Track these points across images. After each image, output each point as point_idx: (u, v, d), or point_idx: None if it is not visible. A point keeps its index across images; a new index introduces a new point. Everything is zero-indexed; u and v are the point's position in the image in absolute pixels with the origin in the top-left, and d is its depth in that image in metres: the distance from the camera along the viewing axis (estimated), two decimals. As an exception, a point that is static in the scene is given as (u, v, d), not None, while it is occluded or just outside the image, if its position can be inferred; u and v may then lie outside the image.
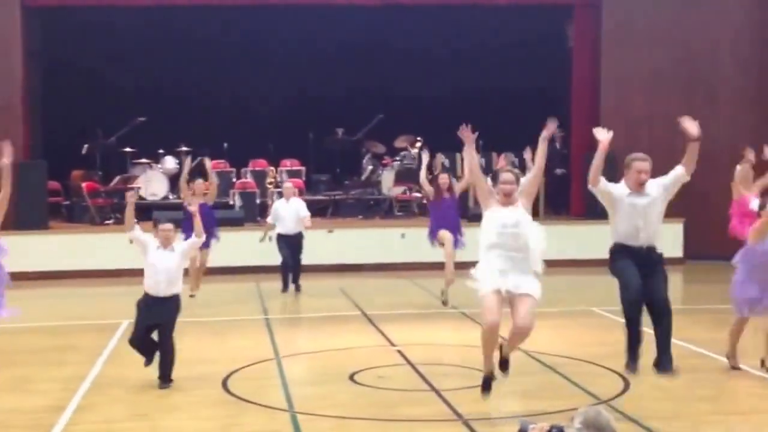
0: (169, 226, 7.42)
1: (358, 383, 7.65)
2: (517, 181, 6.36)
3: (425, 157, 12.13)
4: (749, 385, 7.54)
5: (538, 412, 6.43)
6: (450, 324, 10.37)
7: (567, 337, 9.41)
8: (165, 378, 7.42)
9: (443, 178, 11.46)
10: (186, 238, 11.24)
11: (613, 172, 16.61)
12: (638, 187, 6.41)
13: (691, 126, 6.73)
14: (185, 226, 11.42)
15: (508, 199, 6.29)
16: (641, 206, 6.41)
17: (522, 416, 6.24)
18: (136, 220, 7.56)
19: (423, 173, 11.72)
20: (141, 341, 7.44)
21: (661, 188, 6.56)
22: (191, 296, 11.61)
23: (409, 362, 8.37)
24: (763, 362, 7.70)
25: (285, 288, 12.57)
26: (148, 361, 7.53)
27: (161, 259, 7.32)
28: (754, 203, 9.55)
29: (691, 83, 16.42)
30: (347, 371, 7.95)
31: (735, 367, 7.79)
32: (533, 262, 6.25)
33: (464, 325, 10.08)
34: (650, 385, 7.24)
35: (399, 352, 8.83)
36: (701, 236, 15.30)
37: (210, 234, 11.54)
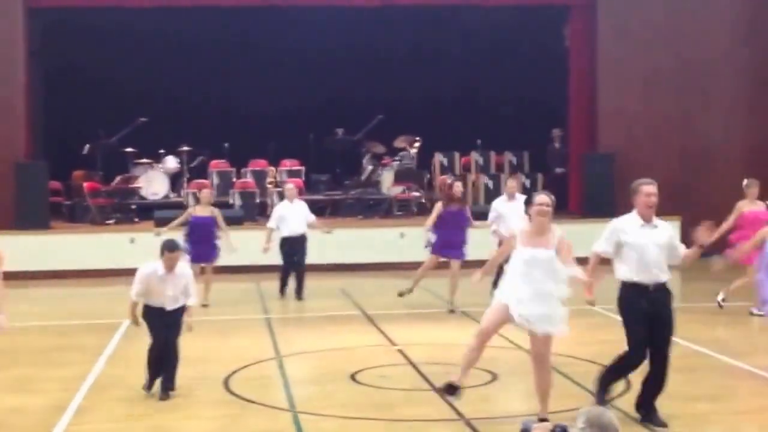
0: (178, 254, 7.22)
1: (360, 383, 7.67)
2: (553, 204, 6.28)
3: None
4: (750, 384, 7.57)
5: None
6: (451, 323, 10.38)
7: (568, 336, 9.36)
8: (166, 387, 7.25)
9: (457, 187, 11.20)
10: (190, 250, 11.21)
11: (610, 174, 16.70)
12: (647, 210, 6.28)
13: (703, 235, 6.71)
14: (191, 238, 11.39)
15: (542, 220, 6.17)
16: (649, 237, 6.26)
17: (524, 416, 6.27)
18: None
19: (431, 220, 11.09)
20: (159, 352, 7.25)
21: (669, 238, 6.35)
22: (204, 306, 11.60)
23: (410, 362, 8.38)
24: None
25: (283, 292, 12.39)
26: (149, 384, 7.30)
27: (165, 284, 7.17)
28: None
29: (687, 83, 16.45)
30: (348, 371, 7.97)
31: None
32: (559, 295, 6.16)
33: (465, 324, 10.07)
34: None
35: (400, 351, 8.85)
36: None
37: (212, 248, 11.50)
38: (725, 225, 10.25)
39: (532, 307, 6.07)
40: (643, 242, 6.24)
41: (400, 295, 11.27)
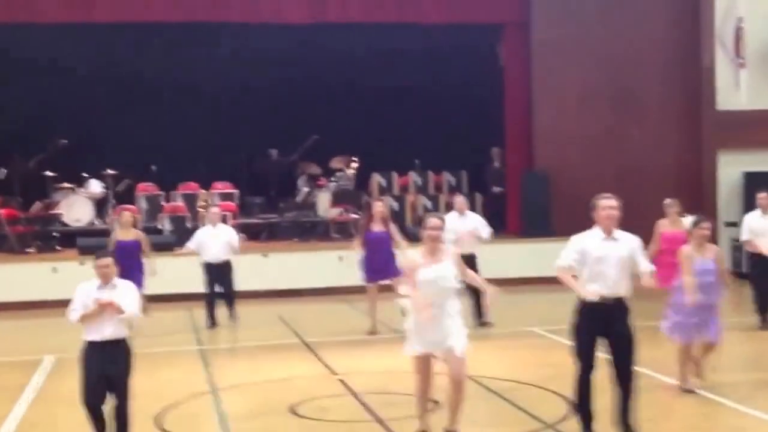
0: (107, 261, 6.64)
1: (300, 416, 7.36)
2: (443, 226, 6.34)
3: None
4: (688, 404, 7.51)
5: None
6: (393, 349, 10.06)
7: (510, 360, 9.26)
8: None
9: (379, 206, 10.73)
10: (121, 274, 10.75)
11: (547, 192, 16.65)
12: (608, 223, 6.26)
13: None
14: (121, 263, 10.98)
15: (435, 244, 6.24)
16: (610, 250, 6.22)
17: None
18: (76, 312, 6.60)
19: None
20: (94, 401, 6.48)
21: (631, 251, 6.30)
22: None
23: (351, 391, 8.10)
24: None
25: (212, 323, 11.70)
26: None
27: (102, 299, 6.52)
28: (687, 220, 9.32)
29: (620, 102, 16.63)
30: (287, 403, 7.65)
31: (687, 390, 7.70)
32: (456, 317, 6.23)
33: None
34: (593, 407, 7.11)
35: (341, 381, 8.56)
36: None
37: (136, 275, 10.83)
38: (652, 247, 10.20)
39: (439, 336, 6.15)
40: (602, 254, 6.22)
41: (371, 334, 10.70)
